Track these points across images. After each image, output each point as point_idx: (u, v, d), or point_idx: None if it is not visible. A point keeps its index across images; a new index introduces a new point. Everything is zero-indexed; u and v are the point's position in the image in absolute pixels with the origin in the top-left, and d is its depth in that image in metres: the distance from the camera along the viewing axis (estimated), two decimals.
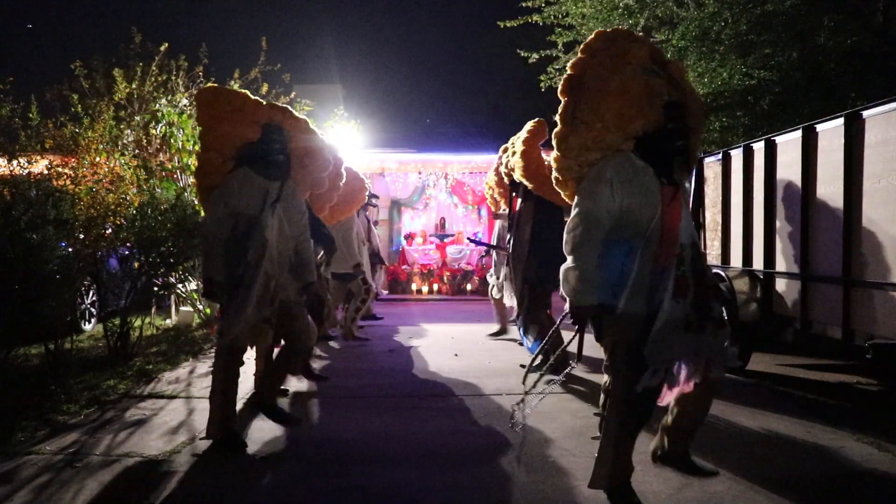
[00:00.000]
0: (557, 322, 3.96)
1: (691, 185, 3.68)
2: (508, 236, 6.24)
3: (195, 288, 8.41)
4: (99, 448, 3.97)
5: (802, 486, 3.42)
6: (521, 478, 3.54)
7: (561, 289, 3.10)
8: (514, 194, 6.18)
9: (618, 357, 3.04)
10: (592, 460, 3.13)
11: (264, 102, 4.36)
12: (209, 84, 4.74)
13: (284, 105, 4.53)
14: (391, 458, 3.81)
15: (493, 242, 7.83)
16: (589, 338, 3.13)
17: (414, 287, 12.88)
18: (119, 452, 3.89)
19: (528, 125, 5.80)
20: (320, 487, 3.43)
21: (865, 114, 4.50)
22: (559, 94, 3.25)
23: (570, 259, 3.05)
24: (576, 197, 3.14)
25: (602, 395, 3.48)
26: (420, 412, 4.76)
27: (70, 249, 5.91)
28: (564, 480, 3.49)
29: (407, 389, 5.45)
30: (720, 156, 6.45)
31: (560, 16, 10.85)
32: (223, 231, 4.02)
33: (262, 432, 4.28)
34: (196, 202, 7.81)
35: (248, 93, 4.36)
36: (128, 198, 6.73)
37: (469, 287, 12.84)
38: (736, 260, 6.16)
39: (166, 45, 9.00)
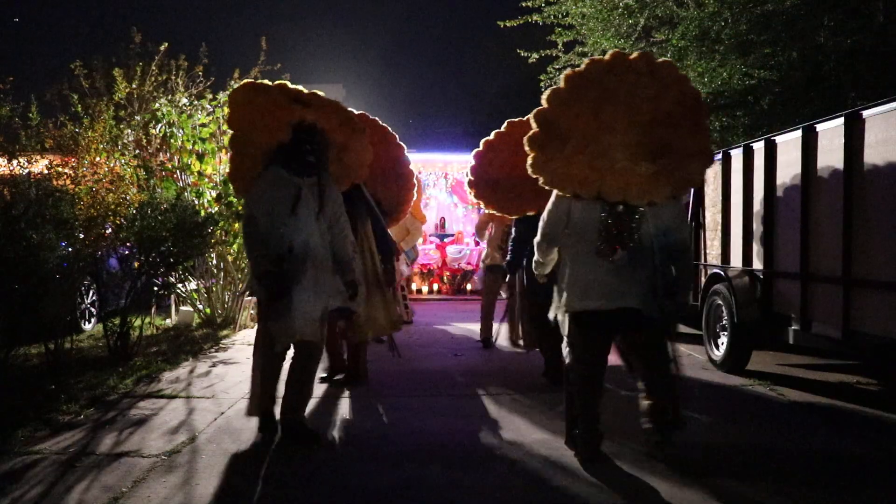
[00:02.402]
0: None
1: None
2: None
3: (195, 288, 8.41)
4: (99, 448, 3.97)
5: (802, 486, 3.42)
6: (521, 477, 3.55)
7: None
8: None
9: None
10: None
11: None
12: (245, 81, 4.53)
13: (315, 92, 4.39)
14: (391, 458, 3.81)
15: None
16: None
17: (414, 287, 12.87)
18: (119, 452, 3.89)
19: None
20: (319, 487, 3.43)
21: (865, 114, 4.50)
22: None
23: None
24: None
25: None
26: (419, 412, 4.76)
27: (70, 249, 5.91)
28: (565, 480, 3.49)
29: (407, 389, 5.45)
30: (720, 156, 6.45)
31: (560, 16, 10.84)
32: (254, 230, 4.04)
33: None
34: (196, 202, 7.83)
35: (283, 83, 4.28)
36: (128, 198, 6.73)
37: (469, 287, 12.84)
38: (736, 260, 6.16)
39: (166, 44, 8.99)
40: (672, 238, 3.59)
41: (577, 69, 3.65)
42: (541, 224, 3.76)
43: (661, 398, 3.63)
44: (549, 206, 3.71)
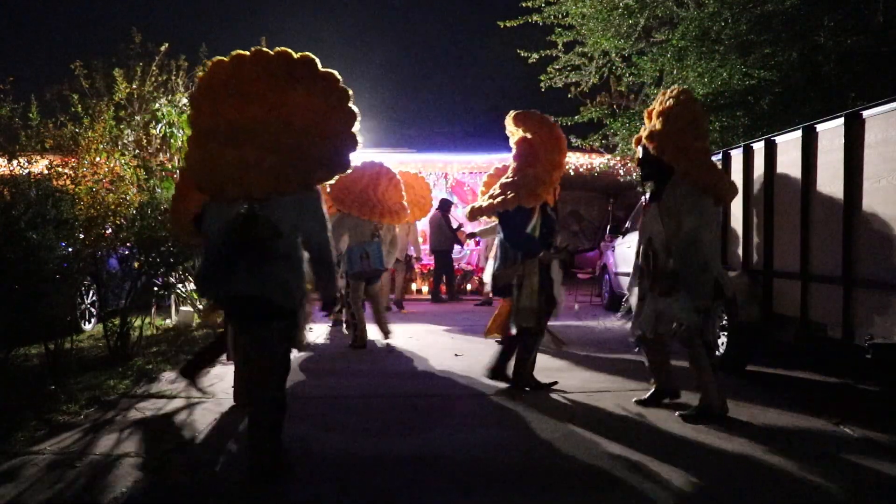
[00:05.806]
0: None
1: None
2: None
3: (195, 288, 8.40)
4: (99, 448, 3.97)
5: (802, 486, 3.42)
6: (521, 478, 3.55)
7: None
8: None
9: None
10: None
11: None
12: None
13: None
14: (390, 459, 3.81)
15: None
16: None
17: (414, 287, 12.88)
18: (119, 452, 3.89)
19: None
20: (318, 488, 3.43)
21: (865, 114, 4.50)
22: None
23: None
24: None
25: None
26: (420, 412, 4.76)
27: (70, 249, 5.91)
28: (564, 480, 3.49)
29: (407, 389, 5.45)
30: (720, 156, 6.44)
31: (560, 16, 10.83)
32: None
33: None
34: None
35: None
36: (128, 198, 6.72)
37: (469, 287, 12.84)
38: (736, 260, 6.16)
39: (166, 45, 9.00)
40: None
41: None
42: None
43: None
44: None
